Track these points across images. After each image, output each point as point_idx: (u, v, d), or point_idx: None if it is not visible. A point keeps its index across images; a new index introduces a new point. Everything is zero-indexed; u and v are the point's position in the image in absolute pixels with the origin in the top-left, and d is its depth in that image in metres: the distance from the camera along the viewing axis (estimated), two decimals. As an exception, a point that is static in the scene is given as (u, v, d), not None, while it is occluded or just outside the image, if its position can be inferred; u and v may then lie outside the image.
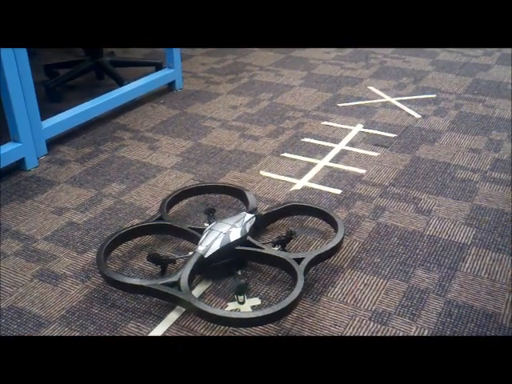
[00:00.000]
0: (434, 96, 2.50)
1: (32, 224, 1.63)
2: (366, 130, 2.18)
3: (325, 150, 2.03)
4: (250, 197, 1.60)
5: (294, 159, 1.98)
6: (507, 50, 3.09)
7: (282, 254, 1.37)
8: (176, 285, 1.27)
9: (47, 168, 1.94)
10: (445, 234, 1.55)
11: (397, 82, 2.66)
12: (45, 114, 2.04)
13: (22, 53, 1.85)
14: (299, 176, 1.86)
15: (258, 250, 1.39)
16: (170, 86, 2.60)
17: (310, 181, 1.83)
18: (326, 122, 2.26)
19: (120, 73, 2.59)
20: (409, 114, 2.32)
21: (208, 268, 1.38)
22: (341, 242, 1.42)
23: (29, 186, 1.83)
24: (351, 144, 2.08)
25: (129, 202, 1.73)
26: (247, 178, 1.85)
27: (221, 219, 1.48)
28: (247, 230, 1.42)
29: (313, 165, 1.93)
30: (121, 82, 2.48)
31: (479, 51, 3.08)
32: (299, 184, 1.82)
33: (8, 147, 1.88)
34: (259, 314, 1.20)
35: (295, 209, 1.60)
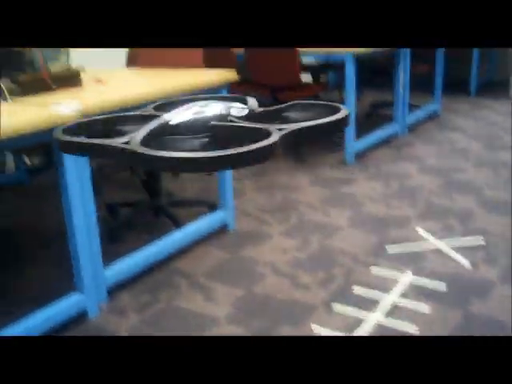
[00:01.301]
0: (483, 240, 2.52)
1: None
2: (415, 279, 2.20)
3: (375, 302, 2.06)
4: (252, 100, 1.47)
5: (344, 312, 2.00)
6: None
7: (263, 125, 1.18)
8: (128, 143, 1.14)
9: (107, 317, 2.04)
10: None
11: (444, 223, 2.71)
12: (104, 255, 2.13)
13: (89, 200, 1.99)
14: (349, 332, 1.88)
15: (235, 123, 1.21)
16: (224, 226, 2.73)
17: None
18: (374, 269, 2.30)
19: (176, 212, 2.75)
20: (458, 262, 2.34)
21: (176, 139, 1.20)
22: (334, 122, 1.25)
23: (89, 338, 1.92)
24: (401, 296, 2.10)
25: (184, 360, 1.78)
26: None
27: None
28: (231, 113, 1.25)
29: (363, 320, 1.95)
30: (177, 224, 2.63)
31: (525, 188, 3.12)
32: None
33: (72, 299, 2.00)
34: (214, 154, 1.01)
35: (299, 106, 1.47)
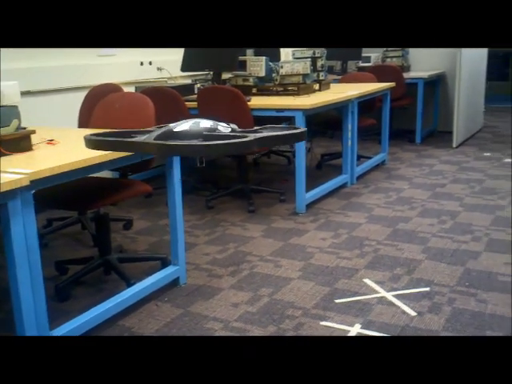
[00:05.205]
0: (428, 289, 2.60)
1: None
2: (364, 332, 2.25)
3: (324, 357, 2.08)
4: (234, 125, 1.85)
5: (295, 368, 2.02)
6: (495, 235, 3.25)
7: (241, 133, 1.66)
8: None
9: (52, 381, 1.98)
10: None
11: (391, 274, 2.79)
12: (51, 314, 2.06)
13: (35, 257, 1.94)
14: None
15: (221, 133, 1.69)
16: (175, 281, 2.72)
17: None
18: (324, 322, 2.33)
19: (128, 267, 2.73)
20: (404, 312, 2.40)
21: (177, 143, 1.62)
22: (292, 134, 1.74)
23: None
24: (350, 348, 2.13)
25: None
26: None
27: None
28: (218, 128, 1.71)
29: (313, 375, 1.97)
30: (127, 281, 2.60)
31: (468, 236, 3.25)
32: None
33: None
34: (208, 143, 1.53)
35: (270, 128, 1.85)
